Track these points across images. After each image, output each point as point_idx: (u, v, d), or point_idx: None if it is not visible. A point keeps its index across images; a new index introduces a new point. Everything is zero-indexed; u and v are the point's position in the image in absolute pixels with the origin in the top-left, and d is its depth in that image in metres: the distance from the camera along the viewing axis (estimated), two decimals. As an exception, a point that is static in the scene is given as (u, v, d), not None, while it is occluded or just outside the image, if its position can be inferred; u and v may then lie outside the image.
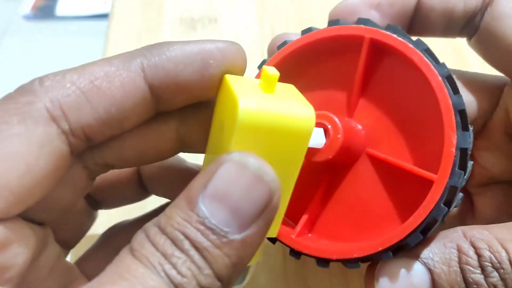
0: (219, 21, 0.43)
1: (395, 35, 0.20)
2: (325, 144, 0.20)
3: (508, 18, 0.21)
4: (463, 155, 0.19)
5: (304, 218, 0.22)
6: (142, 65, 0.17)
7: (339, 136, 0.20)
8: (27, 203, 0.16)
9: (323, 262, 0.21)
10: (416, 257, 0.19)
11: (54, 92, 0.16)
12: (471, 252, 0.18)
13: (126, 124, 0.17)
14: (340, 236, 0.22)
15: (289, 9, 0.43)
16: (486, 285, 0.18)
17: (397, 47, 0.20)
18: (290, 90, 0.19)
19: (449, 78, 0.19)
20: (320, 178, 0.22)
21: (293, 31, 0.41)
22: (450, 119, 0.19)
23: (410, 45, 0.20)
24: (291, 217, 0.23)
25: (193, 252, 0.14)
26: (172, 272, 0.14)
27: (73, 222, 0.22)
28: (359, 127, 0.22)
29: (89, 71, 0.17)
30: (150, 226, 0.15)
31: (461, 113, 0.19)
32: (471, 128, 0.20)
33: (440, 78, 0.19)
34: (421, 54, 0.20)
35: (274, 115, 0.16)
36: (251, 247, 0.15)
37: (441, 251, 0.19)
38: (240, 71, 0.19)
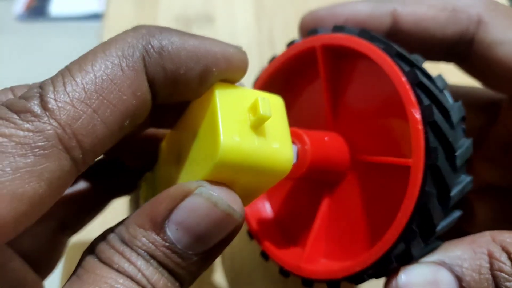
0: (215, 21, 0.42)
1: (349, 35, 0.20)
2: (296, 159, 0.19)
3: (502, 44, 0.21)
4: (436, 130, 0.17)
5: (309, 243, 0.21)
6: (144, 62, 0.16)
7: (306, 147, 0.19)
8: (18, 232, 0.14)
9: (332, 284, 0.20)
10: (442, 263, 0.18)
11: (63, 116, 0.14)
12: (504, 257, 0.17)
13: (133, 128, 0.16)
14: (347, 253, 0.21)
15: (287, 9, 0.43)
16: None
17: (351, 46, 0.20)
18: (276, 116, 0.17)
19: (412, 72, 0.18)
20: (319, 199, 0.22)
21: (291, 31, 0.40)
22: (407, 95, 0.18)
23: (365, 42, 0.19)
24: (296, 241, 0.23)
25: (161, 270, 0.15)
26: (143, 281, 0.15)
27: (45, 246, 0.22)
28: (339, 138, 0.21)
29: (93, 80, 0.14)
30: (114, 237, 0.15)
31: (420, 86, 0.18)
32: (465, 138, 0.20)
33: (390, 59, 0.18)
34: (374, 47, 0.19)
35: (254, 159, 0.16)
36: (212, 259, 0.16)
37: (470, 257, 0.17)
38: (239, 79, 0.18)
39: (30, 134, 0.13)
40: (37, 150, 0.13)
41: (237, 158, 0.15)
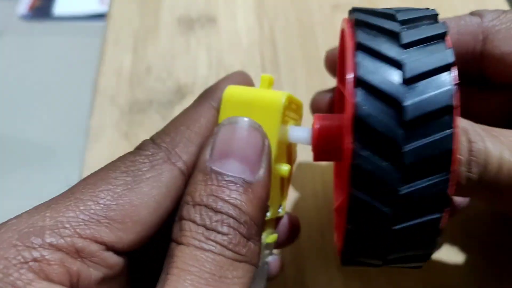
0: (217, 21, 0.42)
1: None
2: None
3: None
4: (370, 91, 0.17)
5: None
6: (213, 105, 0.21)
7: (316, 126, 0.21)
8: (149, 238, 0.18)
9: None
10: None
11: (168, 143, 0.19)
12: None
13: None
14: None
15: (288, 9, 0.43)
16: None
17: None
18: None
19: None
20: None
21: (292, 31, 0.41)
22: (348, 65, 0.18)
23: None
24: None
25: (226, 207, 0.16)
26: (218, 237, 0.16)
27: None
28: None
29: (184, 119, 0.20)
30: (180, 210, 0.17)
31: (359, 46, 0.18)
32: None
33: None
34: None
35: (252, 93, 0.20)
36: (265, 187, 0.18)
37: None
38: None
39: (150, 156, 0.19)
40: (156, 166, 0.18)
41: (239, 93, 0.20)
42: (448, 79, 0.17)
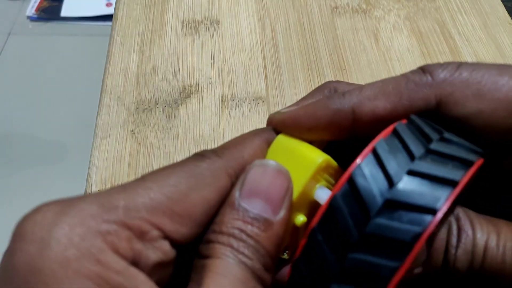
0: (221, 23, 0.43)
1: None
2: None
3: (474, 119, 0.19)
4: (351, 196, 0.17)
5: None
6: (265, 141, 0.22)
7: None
8: (197, 236, 0.19)
9: None
10: None
11: (227, 158, 0.21)
12: None
13: None
14: None
15: (289, 12, 0.44)
16: None
17: None
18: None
19: None
20: None
21: (293, 33, 0.42)
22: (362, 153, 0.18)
23: None
24: None
25: (249, 240, 0.18)
26: (245, 259, 0.18)
27: None
28: None
29: (243, 144, 0.22)
30: (208, 235, 0.19)
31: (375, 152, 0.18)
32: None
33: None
34: None
35: (300, 145, 0.21)
36: (283, 227, 0.19)
37: None
38: None
39: (211, 164, 0.20)
40: (215, 173, 0.20)
41: (289, 140, 0.22)
42: (425, 222, 0.16)
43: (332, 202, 0.18)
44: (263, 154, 0.22)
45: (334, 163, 0.21)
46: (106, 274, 0.16)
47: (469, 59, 0.40)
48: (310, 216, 0.23)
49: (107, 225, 0.17)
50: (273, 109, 0.37)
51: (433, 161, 0.17)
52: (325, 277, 0.18)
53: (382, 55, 0.40)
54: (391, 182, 0.17)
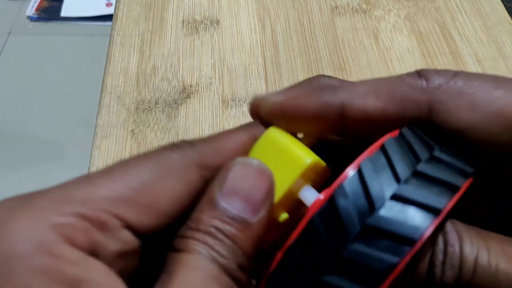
0: (221, 23, 0.44)
1: None
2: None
3: (468, 130, 0.18)
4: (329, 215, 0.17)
5: None
6: (250, 137, 0.21)
7: (320, 197, 0.21)
8: (164, 227, 0.19)
9: None
10: None
11: (201, 150, 0.20)
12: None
13: None
14: None
15: (289, 12, 0.44)
16: None
17: None
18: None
19: None
20: None
21: (293, 33, 0.42)
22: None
23: None
24: None
25: (226, 239, 0.18)
26: (219, 257, 0.17)
27: None
28: None
29: (215, 138, 0.21)
30: (184, 231, 0.19)
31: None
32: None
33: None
34: None
35: (290, 143, 0.20)
36: (263, 227, 0.19)
37: None
38: None
39: (181, 157, 0.20)
40: (184, 166, 0.20)
41: (278, 136, 0.20)
42: (403, 253, 0.16)
43: (310, 220, 0.17)
44: (246, 150, 0.21)
45: (322, 163, 0.21)
46: (60, 266, 0.16)
47: (469, 59, 0.40)
48: (292, 213, 0.23)
49: (61, 217, 0.17)
50: (273, 109, 0.37)
51: (418, 185, 0.17)
52: None
53: (382, 55, 0.40)
54: (372, 206, 0.16)
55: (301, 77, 0.39)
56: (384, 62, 0.40)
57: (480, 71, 0.39)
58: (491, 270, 0.17)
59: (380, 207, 0.16)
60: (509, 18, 0.43)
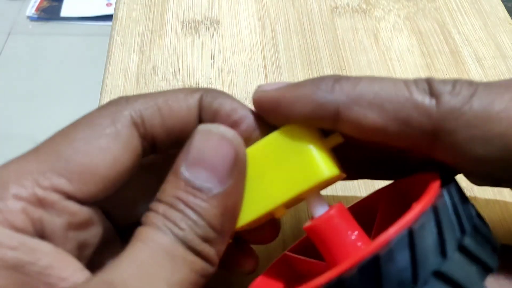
0: (221, 23, 0.44)
1: None
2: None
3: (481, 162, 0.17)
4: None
5: None
6: (200, 97, 0.20)
7: (331, 213, 0.20)
8: (110, 192, 0.19)
9: None
10: None
11: (137, 105, 0.20)
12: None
13: (184, 138, 0.20)
14: None
15: (289, 12, 0.44)
16: None
17: None
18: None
19: None
20: None
21: (293, 33, 0.42)
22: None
23: None
24: None
25: (187, 210, 0.17)
26: (174, 229, 0.17)
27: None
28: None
29: (164, 94, 0.20)
30: (151, 204, 0.18)
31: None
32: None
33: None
34: None
35: (310, 143, 0.19)
36: (233, 197, 0.18)
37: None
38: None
39: (114, 113, 0.19)
40: (118, 123, 0.19)
41: (300, 132, 0.19)
42: None
43: (345, 275, 0.15)
44: (189, 111, 0.20)
45: (339, 173, 0.19)
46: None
47: (469, 59, 0.40)
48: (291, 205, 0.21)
49: None
50: (273, 109, 0.37)
51: (461, 262, 0.15)
52: None
53: (382, 55, 0.40)
54: (415, 280, 0.15)
55: (301, 77, 0.39)
56: (384, 62, 0.40)
57: (480, 70, 0.39)
58: None
59: (423, 284, 0.15)
60: (509, 18, 0.43)
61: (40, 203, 0.17)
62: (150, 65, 0.41)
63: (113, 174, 0.19)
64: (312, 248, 0.21)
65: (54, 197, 0.17)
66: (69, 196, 0.18)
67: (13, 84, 1.32)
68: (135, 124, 0.19)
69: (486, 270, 0.16)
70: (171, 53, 0.41)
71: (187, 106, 0.20)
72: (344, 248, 0.18)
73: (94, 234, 0.19)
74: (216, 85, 0.39)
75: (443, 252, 0.15)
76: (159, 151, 0.21)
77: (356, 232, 0.19)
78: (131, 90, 0.39)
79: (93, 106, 0.41)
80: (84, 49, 1.37)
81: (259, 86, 0.20)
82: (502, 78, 0.38)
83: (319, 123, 0.19)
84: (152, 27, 0.44)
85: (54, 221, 0.17)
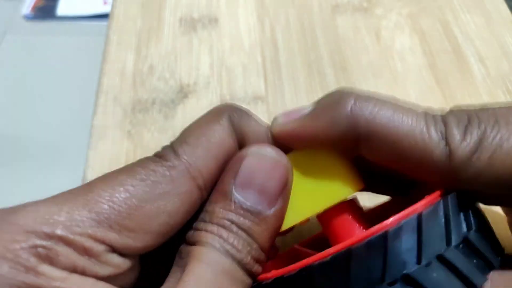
0: (219, 21, 0.43)
1: None
2: None
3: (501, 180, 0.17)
4: None
5: None
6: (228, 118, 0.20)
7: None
8: (156, 247, 0.18)
9: None
10: None
11: (188, 157, 0.19)
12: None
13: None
14: None
15: (289, 10, 0.43)
16: None
17: None
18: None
19: None
20: None
21: (292, 32, 0.41)
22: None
23: None
24: None
25: (240, 232, 0.17)
26: (232, 250, 0.17)
27: None
28: None
29: (198, 131, 0.20)
30: (197, 223, 0.18)
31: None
32: None
33: None
34: None
35: (340, 159, 0.20)
36: (280, 219, 0.19)
37: None
38: None
39: (170, 169, 0.18)
40: (176, 179, 0.18)
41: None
42: None
43: (353, 247, 0.16)
44: (229, 137, 0.20)
45: (363, 185, 0.20)
46: (42, 282, 0.15)
47: (471, 58, 0.39)
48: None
49: (41, 241, 0.16)
50: (273, 109, 0.37)
51: (463, 253, 0.16)
52: None
53: (383, 54, 0.40)
54: (419, 260, 0.16)
55: (301, 77, 0.38)
56: (385, 61, 0.39)
57: (482, 69, 0.38)
58: None
59: (427, 264, 0.15)
60: (511, 17, 0.42)
61: (86, 252, 0.17)
62: (147, 65, 0.40)
63: (166, 231, 0.18)
64: (323, 245, 0.21)
65: (100, 248, 0.17)
66: (114, 249, 0.17)
67: (8, 83, 1.31)
68: (194, 179, 0.19)
69: (488, 265, 0.17)
70: (168, 52, 0.41)
71: (224, 140, 0.20)
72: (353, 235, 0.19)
73: (132, 277, 0.19)
74: (214, 85, 0.38)
75: (448, 241, 0.16)
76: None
77: (366, 227, 0.20)
78: (127, 90, 0.38)
79: (89, 105, 0.41)
80: (81, 48, 1.36)
81: (275, 119, 0.20)
82: (505, 77, 0.37)
83: (340, 149, 0.19)
84: (148, 26, 0.43)
85: (96, 271, 0.17)
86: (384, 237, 0.16)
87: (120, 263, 0.17)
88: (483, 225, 0.18)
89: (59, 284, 0.16)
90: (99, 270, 0.17)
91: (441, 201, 0.17)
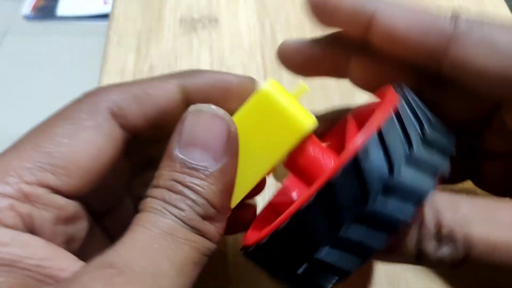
0: (219, 21, 0.43)
1: None
2: None
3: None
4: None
5: None
6: (178, 82, 0.21)
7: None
8: (95, 184, 0.19)
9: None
10: None
11: (114, 96, 0.20)
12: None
13: (167, 128, 0.20)
14: None
15: (289, 10, 0.43)
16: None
17: None
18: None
19: None
20: None
21: (292, 32, 0.41)
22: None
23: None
24: None
25: (186, 190, 0.17)
26: (174, 210, 0.17)
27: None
28: None
29: (140, 83, 0.21)
30: (147, 191, 0.18)
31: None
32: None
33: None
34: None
35: (286, 103, 0.20)
36: (229, 174, 0.19)
37: None
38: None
39: (92, 105, 0.20)
40: (97, 115, 0.19)
41: (271, 99, 0.20)
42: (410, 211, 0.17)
43: (334, 179, 0.17)
44: (173, 95, 0.20)
45: (316, 124, 0.21)
46: None
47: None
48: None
49: None
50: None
51: (425, 150, 0.18)
52: (312, 245, 0.17)
53: (383, 55, 0.40)
54: (391, 169, 0.17)
55: (301, 77, 0.38)
56: (385, 62, 0.39)
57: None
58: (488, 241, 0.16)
59: (398, 173, 0.17)
60: (511, 17, 0.42)
61: (27, 198, 0.17)
62: (147, 65, 0.40)
63: (98, 166, 0.19)
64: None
65: (40, 191, 0.17)
66: (55, 190, 0.18)
67: (9, 83, 1.31)
68: (114, 116, 0.20)
69: (448, 152, 0.18)
70: (169, 52, 0.41)
71: (165, 92, 0.20)
72: (325, 169, 0.20)
73: (80, 227, 0.19)
74: (214, 85, 0.38)
75: (409, 144, 0.17)
76: (142, 140, 0.21)
77: (332, 158, 0.21)
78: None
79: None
80: (81, 48, 1.36)
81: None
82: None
83: (355, 27, 0.21)
84: (149, 26, 0.43)
85: (43, 216, 0.17)
86: (356, 162, 0.16)
87: (65, 205, 0.18)
88: (432, 118, 0.19)
89: (4, 249, 0.16)
90: (45, 214, 0.17)
91: (394, 112, 0.18)
